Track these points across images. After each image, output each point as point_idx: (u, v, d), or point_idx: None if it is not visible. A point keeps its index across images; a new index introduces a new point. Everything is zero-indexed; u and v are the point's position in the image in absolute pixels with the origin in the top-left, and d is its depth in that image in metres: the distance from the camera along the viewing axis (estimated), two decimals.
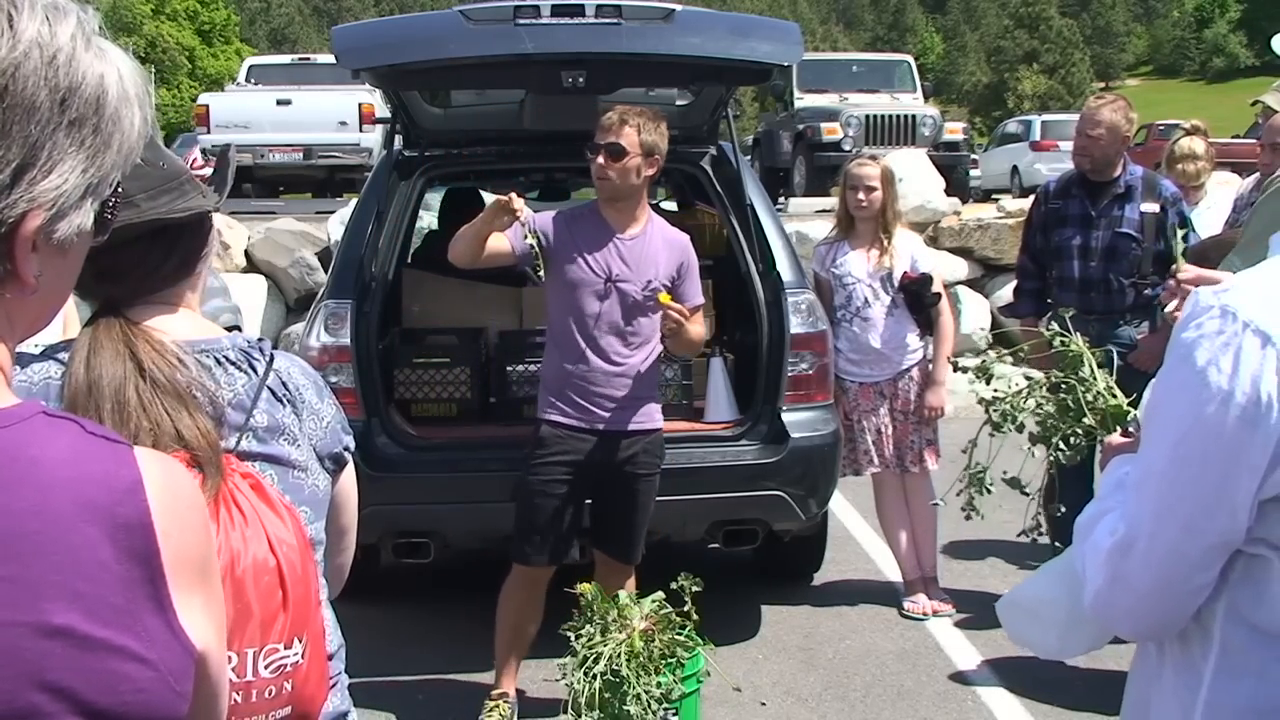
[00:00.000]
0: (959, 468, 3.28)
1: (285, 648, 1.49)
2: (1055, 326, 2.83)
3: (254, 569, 1.46)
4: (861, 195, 5.03)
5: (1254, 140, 7.40)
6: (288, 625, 1.49)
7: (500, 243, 3.83)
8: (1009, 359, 3.16)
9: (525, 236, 3.84)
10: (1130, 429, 1.70)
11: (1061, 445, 2.66)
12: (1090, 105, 5.12)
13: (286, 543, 1.51)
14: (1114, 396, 2.55)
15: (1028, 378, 2.89)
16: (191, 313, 1.72)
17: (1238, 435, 1.25)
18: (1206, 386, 1.26)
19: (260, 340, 1.76)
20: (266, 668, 1.47)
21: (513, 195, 3.69)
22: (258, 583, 1.47)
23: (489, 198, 6.88)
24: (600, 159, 3.82)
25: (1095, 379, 2.58)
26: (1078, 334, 2.72)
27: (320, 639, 1.58)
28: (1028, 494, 3.09)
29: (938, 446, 5.11)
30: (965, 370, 3.36)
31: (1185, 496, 1.29)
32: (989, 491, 3.21)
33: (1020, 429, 2.93)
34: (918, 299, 5.01)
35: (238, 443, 1.65)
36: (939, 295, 5.05)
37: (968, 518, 3.40)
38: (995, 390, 2.99)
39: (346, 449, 1.82)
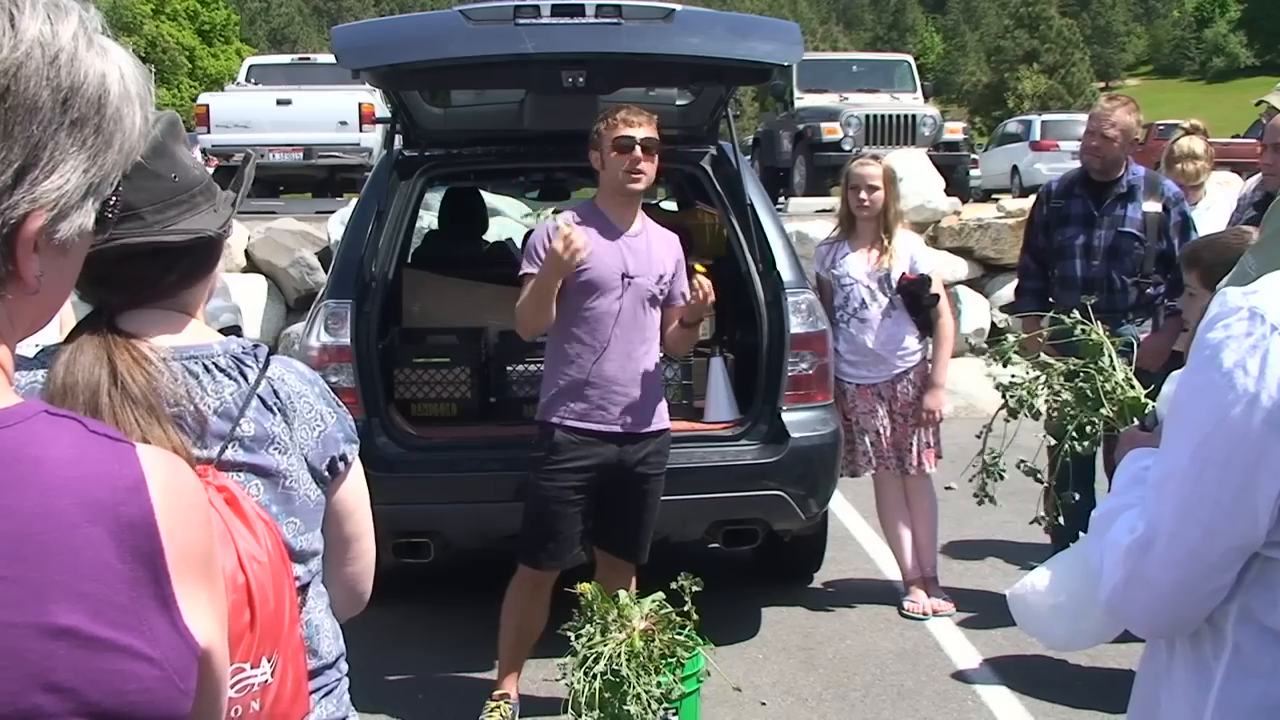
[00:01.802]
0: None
1: (252, 667, 1.45)
2: (1077, 315, 2.80)
3: None
4: (864, 195, 5.02)
5: (1254, 140, 7.40)
6: (254, 645, 1.46)
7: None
8: (1017, 351, 3.13)
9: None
10: (1147, 422, 1.68)
11: (1080, 433, 2.65)
12: (1104, 106, 5.08)
13: (257, 560, 1.47)
14: (1132, 387, 2.54)
15: (1045, 364, 2.87)
16: (191, 320, 1.68)
17: (1262, 439, 1.24)
18: (1233, 388, 1.25)
19: (256, 345, 1.72)
20: (232, 688, 1.42)
21: (564, 230, 3.60)
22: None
23: (489, 198, 6.89)
24: (642, 154, 3.83)
25: (1115, 369, 2.57)
26: (1098, 323, 2.71)
27: (297, 655, 1.55)
28: (1042, 482, 3.08)
29: (938, 448, 5.10)
30: (982, 351, 3.36)
31: (1207, 498, 1.28)
32: (1002, 477, 3.20)
33: (1036, 416, 2.92)
34: (916, 300, 5.00)
35: (221, 451, 1.62)
36: (937, 296, 5.04)
37: (980, 503, 3.38)
38: (1012, 375, 2.98)
39: (342, 458, 1.76)
